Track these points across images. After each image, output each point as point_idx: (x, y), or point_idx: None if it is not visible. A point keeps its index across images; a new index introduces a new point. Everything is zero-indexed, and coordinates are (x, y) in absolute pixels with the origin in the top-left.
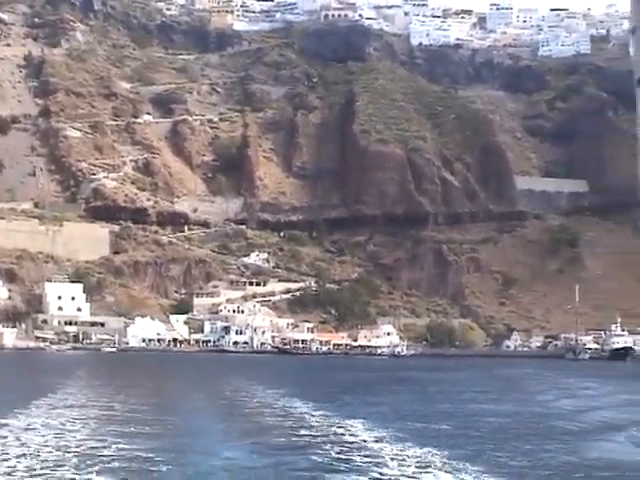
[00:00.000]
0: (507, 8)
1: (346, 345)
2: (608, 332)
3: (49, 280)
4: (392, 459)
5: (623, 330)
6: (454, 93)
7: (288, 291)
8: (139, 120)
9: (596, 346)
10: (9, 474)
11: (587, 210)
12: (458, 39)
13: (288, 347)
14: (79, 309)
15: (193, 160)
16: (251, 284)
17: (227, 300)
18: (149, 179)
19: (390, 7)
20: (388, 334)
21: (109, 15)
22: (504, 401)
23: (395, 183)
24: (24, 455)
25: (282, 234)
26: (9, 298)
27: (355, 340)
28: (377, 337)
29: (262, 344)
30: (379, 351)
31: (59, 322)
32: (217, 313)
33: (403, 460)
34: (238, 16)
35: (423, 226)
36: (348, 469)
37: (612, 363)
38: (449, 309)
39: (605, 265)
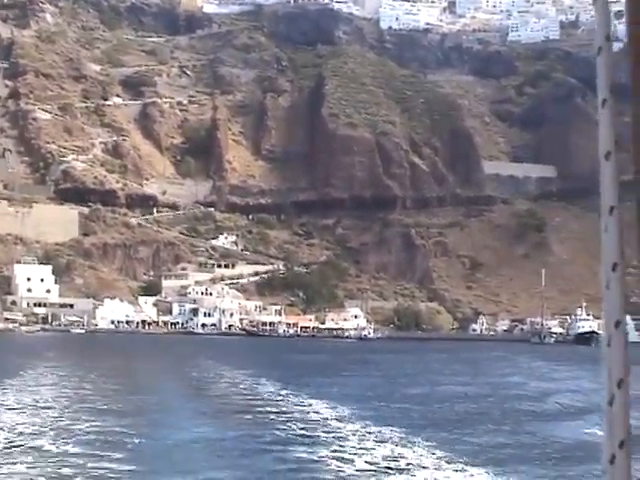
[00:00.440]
0: None
1: (313, 328)
2: (573, 316)
3: (18, 262)
4: (353, 434)
5: (588, 315)
6: (423, 77)
7: (256, 274)
8: (109, 102)
9: (561, 330)
10: None
11: (554, 195)
12: (428, 23)
13: (256, 329)
14: (48, 291)
15: (162, 143)
16: (219, 266)
17: (195, 282)
18: (118, 161)
19: None
20: (355, 317)
21: None
22: (470, 383)
23: (364, 167)
24: (1, 429)
25: (251, 217)
26: None
27: (323, 323)
28: (344, 320)
29: (230, 326)
30: (346, 334)
31: (28, 304)
32: (186, 295)
33: (363, 435)
34: None
35: (391, 210)
36: (311, 442)
37: (577, 347)
38: (416, 293)
39: (571, 250)
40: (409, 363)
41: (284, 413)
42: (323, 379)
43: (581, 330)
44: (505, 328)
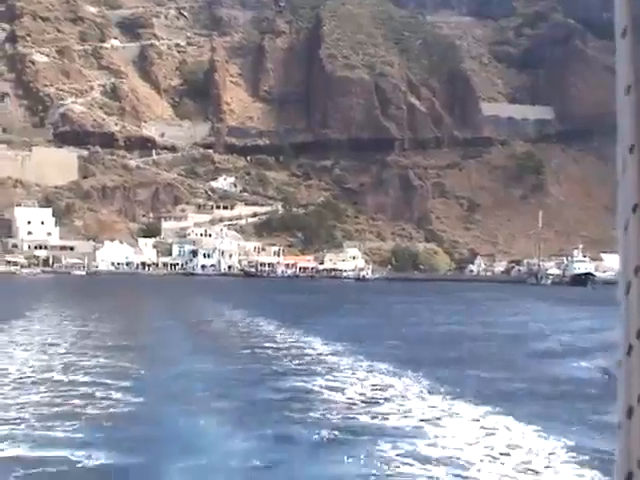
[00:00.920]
0: None
1: (312, 268)
2: (570, 258)
3: (18, 205)
4: (347, 368)
5: (584, 256)
6: (422, 18)
7: (255, 215)
8: (106, 45)
9: (558, 272)
10: (1, 375)
11: (553, 137)
12: None
13: (254, 270)
14: (49, 233)
15: (160, 85)
16: (218, 208)
17: (195, 224)
18: (117, 104)
19: None
20: (354, 258)
21: None
22: (468, 323)
23: (361, 108)
24: (12, 363)
25: (249, 158)
26: None
27: (321, 263)
28: (343, 261)
29: (229, 267)
30: (344, 274)
31: (29, 246)
32: (185, 237)
33: (355, 369)
34: None
35: (389, 151)
36: (306, 373)
37: (573, 288)
38: (414, 234)
39: (569, 192)
40: (406, 303)
41: (280, 349)
42: (320, 318)
43: (577, 271)
44: (502, 269)
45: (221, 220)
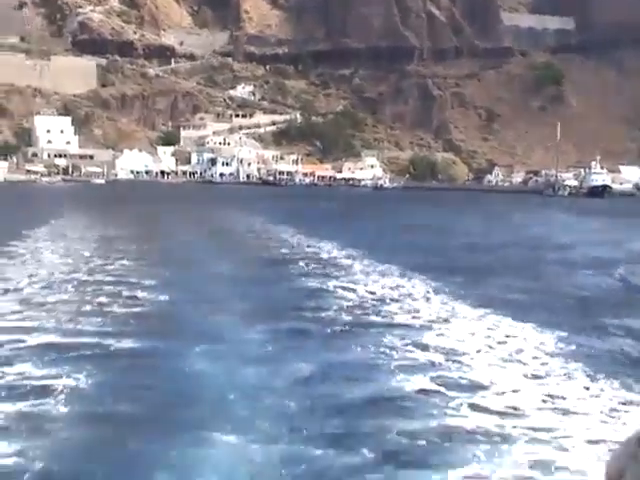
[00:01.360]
0: None
1: (330, 177)
2: (587, 170)
3: (38, 113)
4: (360, 272)
5: (602, 168)
6: None
7: (274, 123)
8: None
9: (575, 183)
10: (31, 277)
11: (573, 48)
12: None
13: (273, 179)
14: (68, 142)
15: None
16: (237, 116)
17: (213, 132)
18: (135, 12)
19: None
20: (372, 167)
21: None
22: (488, 234)
23: (381, 17)
24: (40, 267)
25: (268, 67)
26: None
27: (339, 172)
28: (361, 169)
29: (248, 176)
30: (362, 183)
31: (49, 155)
32: (204, 145)
33: (368, 272)
34: None
35: (408, 61)
36: (321, 275)
37: (590, 200)
38: (432, 143)
39: (588, 104)
40: (424, 212)
41: (297, 253)
42: (337, 225)
43: (594, 183)
44: (520, 180)
45: (240, 128)
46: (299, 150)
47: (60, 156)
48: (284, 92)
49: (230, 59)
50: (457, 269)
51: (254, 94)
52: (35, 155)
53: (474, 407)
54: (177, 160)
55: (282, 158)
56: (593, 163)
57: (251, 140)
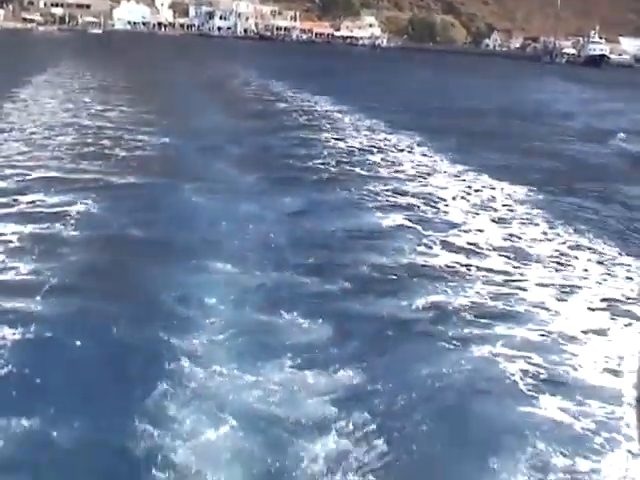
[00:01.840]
0: None
1: (328, 35)
2: (586, 39)
3: None
4: (349, 126)
5: (601, 38)
6: None
7: None
8: None
9: (573, 51)
10: (34, 121)
11: None
12: None
13: (270, 34)
14: None
15: None
16: None
17: None
18: None
19: None
20: (370, 26)
21: None
22: (487, 99)
23: None
24: (42, 112)
25: None
26: None
27: (337, 30)
28: (359, 28)
29: (245, 30)
30: (360, 42)
31: (45, 4)
32: None
33: (357, 127)
34: None
35: None
36: (313, 128)
37: (587, 69)
38: (432, 5)
39: None
40: (421, 73)
41: (291, 106)
42: (332, 81)
43: (592, 52)
44: (518, 45)
45: None
46: (297, 6)
47: (57, 5)
48: None
49: None
50: (450, 130)
51: None
52: (31, 3)
53: (444, 244)
54: (175, 12)
55: (280, 13)
56: (592, 32)
57: None
